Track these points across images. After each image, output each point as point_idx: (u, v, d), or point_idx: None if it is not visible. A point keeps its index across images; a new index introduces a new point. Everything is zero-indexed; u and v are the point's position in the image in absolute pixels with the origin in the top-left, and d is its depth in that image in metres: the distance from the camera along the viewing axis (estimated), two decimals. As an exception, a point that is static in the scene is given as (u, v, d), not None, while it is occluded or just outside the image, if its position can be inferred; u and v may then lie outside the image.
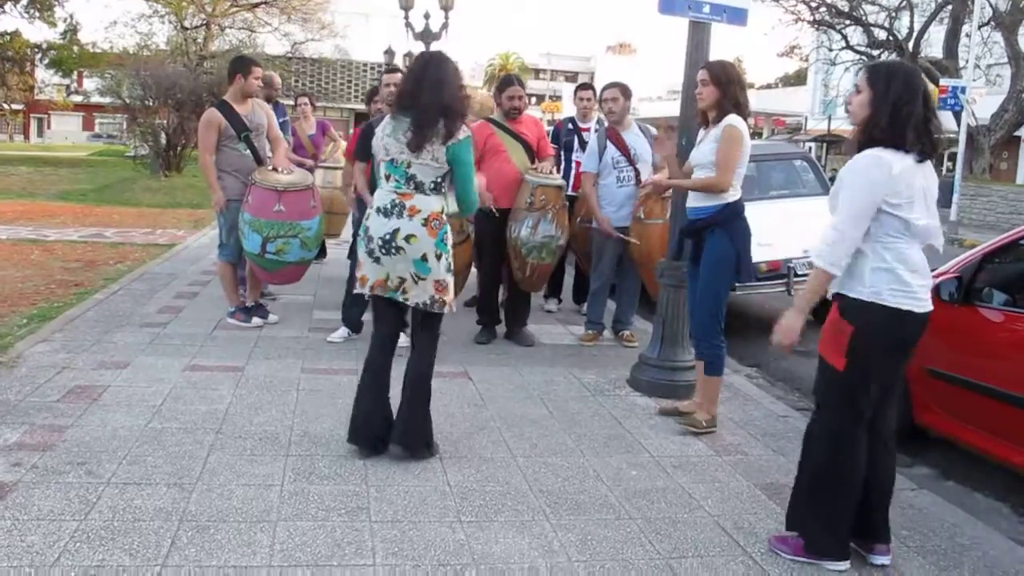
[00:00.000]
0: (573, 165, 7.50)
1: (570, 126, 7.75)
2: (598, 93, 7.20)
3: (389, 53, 28.44)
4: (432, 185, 4.08)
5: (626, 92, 6.76)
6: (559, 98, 60.37)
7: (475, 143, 6.28)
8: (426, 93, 4.02)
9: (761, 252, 6.48)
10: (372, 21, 43.56)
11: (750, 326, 7.68)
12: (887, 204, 3.12)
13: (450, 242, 4.18)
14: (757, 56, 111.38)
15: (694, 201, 4.89)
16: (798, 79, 52.29)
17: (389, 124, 4.17)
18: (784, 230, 7.33)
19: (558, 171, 7.03)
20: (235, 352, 6.09)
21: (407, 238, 4.04)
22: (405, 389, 4.26)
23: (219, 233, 6.87)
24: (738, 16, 5.68)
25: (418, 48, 19.67)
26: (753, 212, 5.05)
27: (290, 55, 36.44)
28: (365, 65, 39.28)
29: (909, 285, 3.19)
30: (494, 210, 6.41)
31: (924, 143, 3.16)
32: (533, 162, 6.62)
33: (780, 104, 46.35)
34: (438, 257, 4.09)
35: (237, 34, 36.17)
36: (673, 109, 6.23)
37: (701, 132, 4.97)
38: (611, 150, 6.71)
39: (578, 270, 7.99)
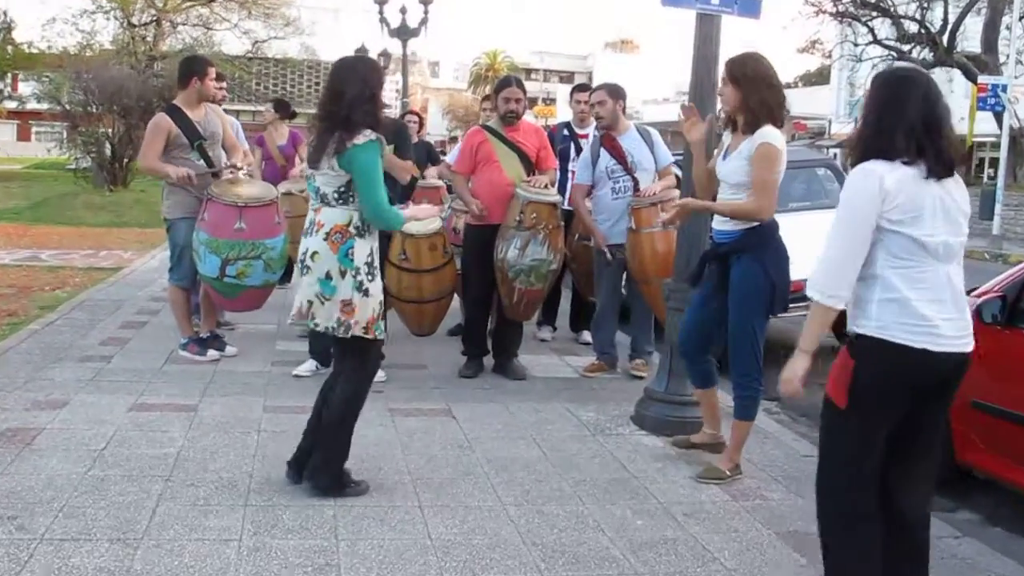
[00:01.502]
0: (569, 176, 7.48)
1: (565, 132, 7.75)
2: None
3: (362, 52, 28.49)
4: (336, 196, 4.23)
5: (615, 93, 6.77)
6: (553, 101, 59.97)
7: (468, 151, 6.47)
8: (328, 104, 4.24)
9: (781, 272, 6.47)
10: (342, 17, 43.89)
11: (770, 355, 7.69)
12: (887, 221, 3.03)
13: (362, 259, 4.25)
14: (775, 52, 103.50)
15: (721, 223, 4.79)
16: (820, 77, 52.25)
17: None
18: (806, 247, 7.09)
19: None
20: (188, 389, 6.03)
21: (312, 255, 4.25)
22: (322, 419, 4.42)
23: (170, 255, 6.82)
24: (750, 7, 5.66)
25: (395, 46, 19.70)
26: (771, 227, 5.08)
27: (251, 55, 36.29)
28: (335, 65, 39.28)
29: (926, 318, 3.04)
30: (476, 210, 6.43)
31: (927, 155, 3.04)
32: (530, 175, 6.58)
33: (801, 105, 46.18)
34: (343, 274, 4.21)
35: (191, 32, 35.94)
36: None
37: (727, 136, 4.86)
38: (605, 158, 6.72)
39: (576, 293, 7.96)
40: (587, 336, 7.76)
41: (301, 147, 8.90)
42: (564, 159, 7.56)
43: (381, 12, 19.86)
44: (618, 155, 6.69)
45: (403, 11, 20.18)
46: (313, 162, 4.26)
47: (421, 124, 9.57)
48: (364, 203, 4.19)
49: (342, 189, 4.20)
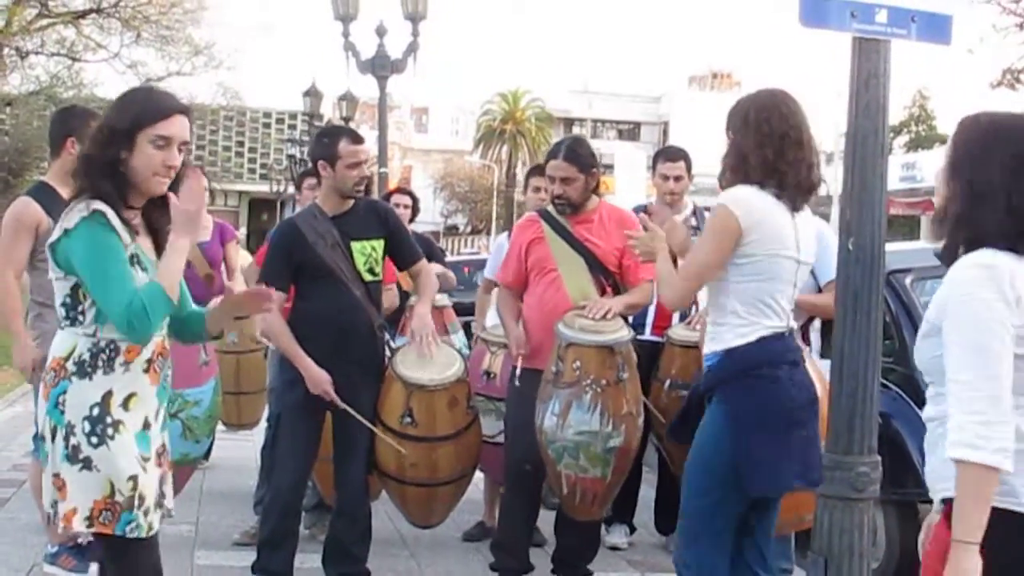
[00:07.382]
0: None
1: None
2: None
3: (312, 95, 22.54)
4: (63, 312, 3.49)
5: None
6: (609, 169, 44.17)
7: (517, 251, 5.38)
8: None
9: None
10: (279, 38, 38.00)
11: None
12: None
13: (79, 412, 3.34)
14: (954, 88, 68.87)
15: (708, 339, 3.99)
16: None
17: None
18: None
19: None
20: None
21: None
22: None
23: (36, 415, 5.20)
24: (937, 29, 4.54)
25: (364, 84, 15.78)
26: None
27: None
28: (271, 117, 31.91)
29: None
30: (517, 366, 5.11)
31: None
32: (605, 291, 5.18)
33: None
34: (53, 433, 3.38)
35: (49, 64, 26.83)
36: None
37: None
38: None
39: (664, 471, 6.14)
40: None
41: (231, 245, 6.94)
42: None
43: (346, 33, 13.97)
44: None
45: (381, 33, 14.18)
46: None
47: (415, 209, 7.62)
48: (106, 311, 3.31)
49: (68, 300, 3.43)
